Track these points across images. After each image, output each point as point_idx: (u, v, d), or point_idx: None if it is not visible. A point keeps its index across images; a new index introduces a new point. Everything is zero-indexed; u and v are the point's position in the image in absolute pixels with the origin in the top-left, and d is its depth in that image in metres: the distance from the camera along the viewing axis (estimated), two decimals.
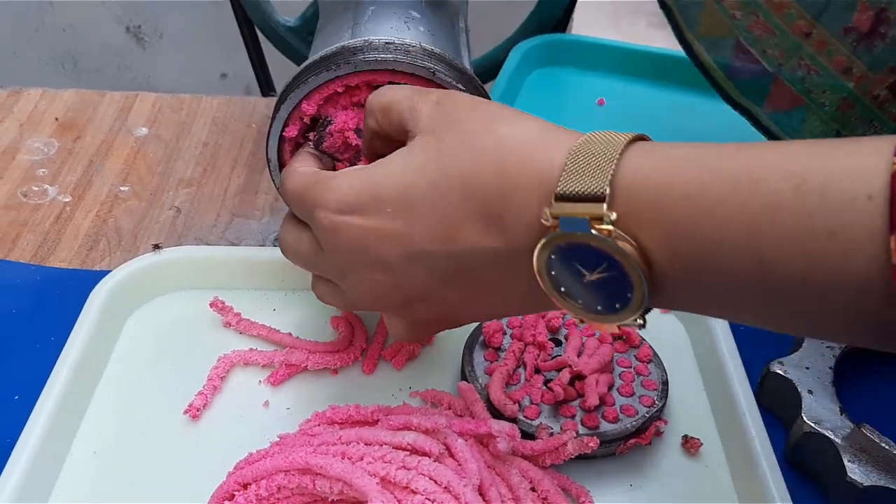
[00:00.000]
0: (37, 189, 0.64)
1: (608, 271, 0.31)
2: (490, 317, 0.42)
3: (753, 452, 0.43)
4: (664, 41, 0.85)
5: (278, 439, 0.43)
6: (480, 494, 0.37)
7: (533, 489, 0.41)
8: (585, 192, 0.31)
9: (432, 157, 0.35)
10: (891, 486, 0.41)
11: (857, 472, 0.42)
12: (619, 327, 0.33)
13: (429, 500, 0.35)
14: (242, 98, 0.75)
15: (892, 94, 0.49)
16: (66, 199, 0.63)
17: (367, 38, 0.44)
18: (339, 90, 0.44)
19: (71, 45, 1.36)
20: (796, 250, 0.27)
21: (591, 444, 0.42)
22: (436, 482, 0.36)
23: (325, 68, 0.43)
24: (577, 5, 0.80)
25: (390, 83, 0.44)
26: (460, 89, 0.43)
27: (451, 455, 0.38)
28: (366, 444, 0.38)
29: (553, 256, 0.32)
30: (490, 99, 0.46)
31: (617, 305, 0.32)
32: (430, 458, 0.37)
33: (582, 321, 0.35)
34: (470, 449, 0.39)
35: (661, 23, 0.88)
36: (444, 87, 0.44)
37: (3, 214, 0.62)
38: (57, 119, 0.71)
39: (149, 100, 0.75)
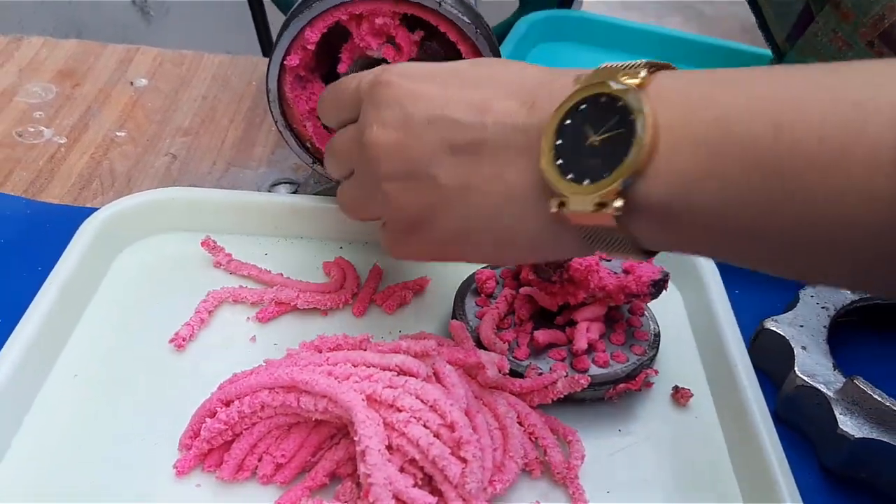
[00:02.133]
0: (32, 130, 0.64)
1: (615, 129, 0.30)
2: (493, 253, 0.37)
3: (744, 403, 0.43)
4: (671, 22, 0.86)
5: (264, 364, 0.42)
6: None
7: (520, 423, 0.40)
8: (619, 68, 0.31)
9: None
10: (882, 439, 0.40)
11: (848, 424, 0.41)
12: (594, 207, 0.30)
13: (414, 417, 0.35)
14: (245, 57, 0.75)
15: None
16: (62, 141, 0.63)
17: None
18: (344, 18, 0.44)
19: (76, 16, 1.35)
20: (815, 116, 0.25)
21: (582, 382, 0.41)
22: (422, 401, 0.35)
23: None
24: None
25: (394, 14, 0.43)
26: (465, 22, 0.43)
27: (439, 380, 0.38)
28: (353, 366, 0.37)
29: (567, 121, 0.31)
30: (497, 45, 0.46)
31: (607, 170, 0.30)
32: (417, 378, 0.36)
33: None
34: (458, 375, 0.38)
35: (675, 10, 0.88)
36: (449, 20, 0.43)
37: None
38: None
39: (150, 54, 0.74)
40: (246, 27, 1.24)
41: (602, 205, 0.30)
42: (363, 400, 0.35)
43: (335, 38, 0.49)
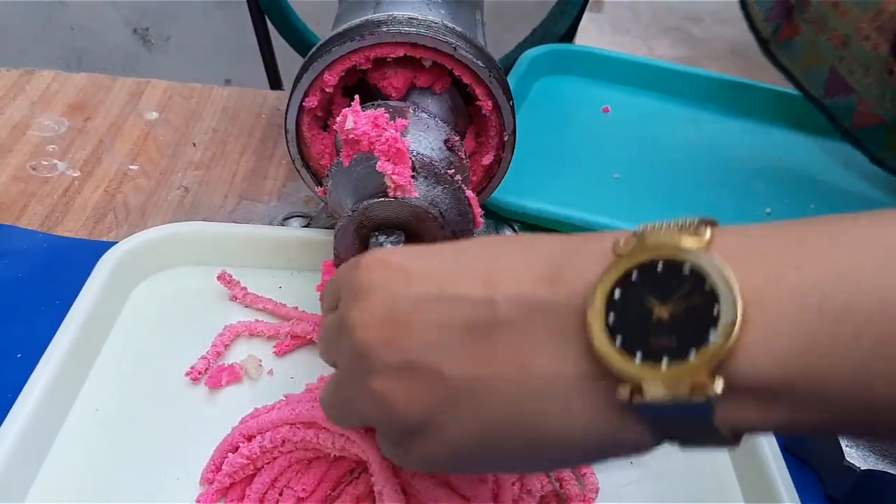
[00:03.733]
0: (46, 163, 0.65)
1: (688, 297, 0.25)
2: (527, 459, 0.30)
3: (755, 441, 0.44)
4: (667, 54, 0.87)
5: (284, 399, 0.43)
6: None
7: None
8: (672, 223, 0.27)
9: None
10: (888, 471, 0.41)
11: (854, 455, 0.42)
12: (689, 390, 0.25)
13: None
14: (253, 90, 0.76)
15: None
16: (75, 174, 0.64)
17: (391, 13, 0.45)
18: (361, 62, 0.45)
19: (77, 45, 1.36)
20: None
21: None
22: None
23: (349, 38, 0.44)
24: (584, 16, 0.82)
25: (406, 56, 0.45)
26: (480, 66, 0.45)
27: None
28: None
29: (617, 292, 0.26)
30: (509, 87, 0.47)
31: (692, 347, 0.25)
32: None
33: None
34: None
35: (663, 33, 0.90)
36: (465, 64, 0.45)
37: (12, 185, 0.62)
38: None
39: (160, 87, 0.76)
40: (247, 54, 1.25)
41: (695, 387, 0.25)
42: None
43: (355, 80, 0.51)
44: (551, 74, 0.79)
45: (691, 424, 0.26)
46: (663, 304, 0.26)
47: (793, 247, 0.25)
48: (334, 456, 0.38)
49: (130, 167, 0.65)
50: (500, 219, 0.60)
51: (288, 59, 0.75)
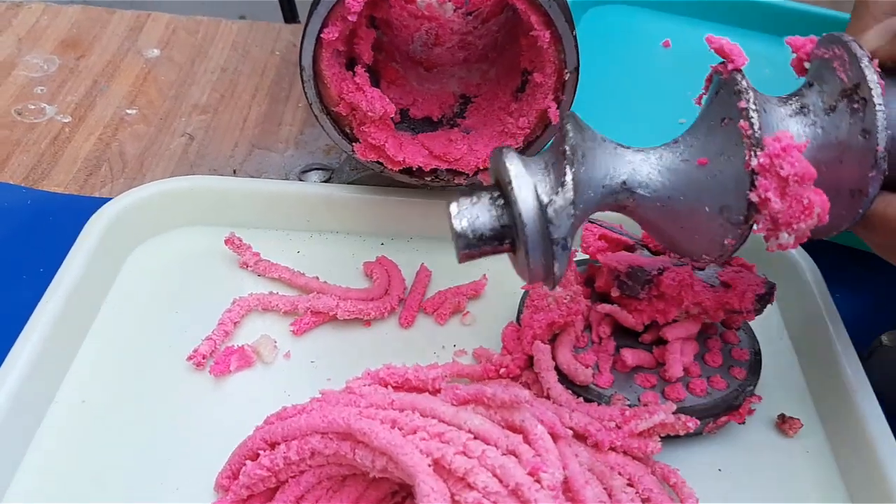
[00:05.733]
0: (33, 107, 0.57)
1: None
2: None
3: (864, 433, 0.36)
4: None
5: (319, 395, 0.36)
6: (571, 499, 0.30)
7: (630, 485, 0.33)
8: None
9: None
10: None
11: None
12: None
13: (489, 500, 0.28)
14: (266, 23, 0.68)
15: None
16: (66, 120, 0.56)
17: None
18: None
19: None
20: None
21: (689, 425, 0.35)
22: (500, 480, 0.28)
23: None
24: None
25: None
26: None
27: (528, 442, 0.31)
28: (422, 416, 0.31)
29: None
30: (571, 14, 0.39)
31: None
32: (496, 448, 0.30)
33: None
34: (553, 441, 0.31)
35: None
36: None
37: None
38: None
39: (162, 20, 0.67)
40: None
41: None
42: (430, 465, 0.29)
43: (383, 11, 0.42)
44: (601, 4, 0.70)
45: None
46: None
47: None
48: (372, 477, 0.31)
49: (128, 112, 0.58)
50: None
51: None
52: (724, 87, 0.32)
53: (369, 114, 0.41)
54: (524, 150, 0.43)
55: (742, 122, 0.30)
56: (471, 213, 0.30)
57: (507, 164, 0.30)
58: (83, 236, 0.43)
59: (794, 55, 0.36)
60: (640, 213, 0.33)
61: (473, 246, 0.30)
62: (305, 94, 0.41)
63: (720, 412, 0.37)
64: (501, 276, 0.45)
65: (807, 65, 0.35)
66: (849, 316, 0.42)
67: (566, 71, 0.40)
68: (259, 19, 0.68)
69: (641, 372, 0.38)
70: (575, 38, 0.39)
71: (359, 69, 0.41)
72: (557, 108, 0.41)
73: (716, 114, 0.32)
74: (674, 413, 0.35)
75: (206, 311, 0.42)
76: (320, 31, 0.38)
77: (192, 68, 0.62)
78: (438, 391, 0.35)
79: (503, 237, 0.30)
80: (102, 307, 0.43)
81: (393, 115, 0.42)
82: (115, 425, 0.37)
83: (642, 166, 0.32)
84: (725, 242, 0.31)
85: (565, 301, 0.38)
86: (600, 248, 0.41)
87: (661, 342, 0.39)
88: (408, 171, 0.44)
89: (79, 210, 0.47)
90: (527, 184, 0.29)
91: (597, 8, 0.70)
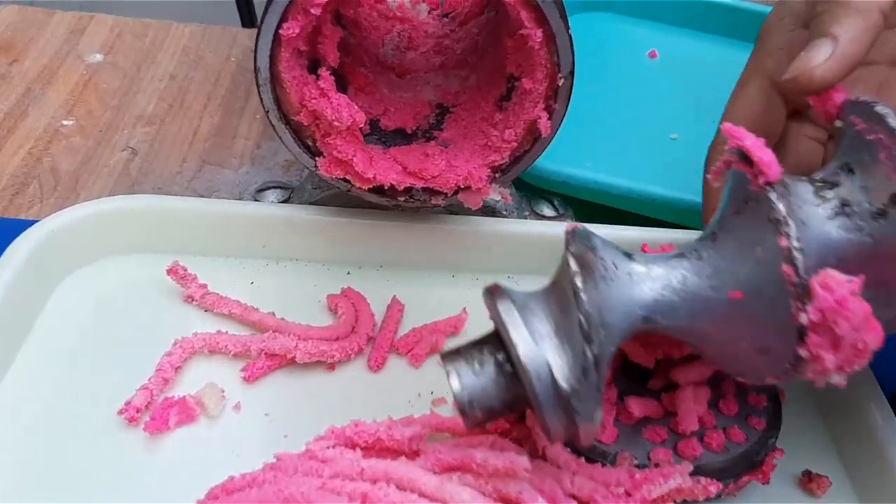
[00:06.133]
0: None
1: None
2: None
3: None
4: None
5: (274, 459, 0.30)
6: None
7: None
8: None
9: None
10: None
11: None
12: None
13: None
14: (221, 27, 0.62)
15: None
16: None
17: None
18: None
19: None
20: None
21: (711, 489, 0.30)
22: None
23: None
24: None
25: None
26: None
27: None
28: (398, 488, 0.25)
29: None
30: (565, 10, 0.34)
31: None
32: None
33: None
34: None
35: None
36: None
37: None
38: None
39: (106, 23, 0.61)
40: None
41: None
42: None
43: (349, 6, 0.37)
44: (583, 11, 0.65)
45: None
46: None
47: None
48: None
49: (64, 122, 0.52)
50: (535, 191, 0.47)
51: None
52: (753, 202, 0.27)
53: (335, 124, 0.35)
54: (510, 167, 0.38)
55: (785, 267, 0.26)
56: (475, 387, 0.27)
57: (510, 331, 0.26)
58: (3, 263, 0.37)
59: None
60: (670, 334, 0.29)
61: (482, 422, 0.28)
62: (261, 99, 0.36)
63: (741, 470, 0.32)
64: (483, 309, 0.40)
65: (837, 122, 0.31)
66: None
67: (560, 76, 0.35)
68: (214, 23, 0.63)
69: (649, 424, 0.33)
70: (570, 37, 0.34)
71: (323, 72, 0.36)
72: (549, 118, 0.36)
73: (746, 234, 0.27)
74: (691, 474, 0.30)
75: (142, 353, 0.36)
76: (278, 27, 0.33)
77: (137, 74, 0.57)
78: (417, 454, 0.29)
79: (516, 404, 0.27)
80: (23, 347, 0.36)
81: (362, 126, 0.37)
82: (29, 492, 0.31)
83: (664, 293, 0.28)
84: (767, 379, 0.28)
85: None
86: None
87: (670, 387, 0.34)
88: (378, 189, 0.39)
89: (1, 233, 0.40)
90: (540, 366, 0.26)
91: (580, 15, 0.65)
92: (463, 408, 0.27)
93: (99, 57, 0.58)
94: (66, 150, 0.50)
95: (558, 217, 0.45)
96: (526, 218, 0.45)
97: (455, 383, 0.27)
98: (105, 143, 0.50)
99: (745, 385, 0.35)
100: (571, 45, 0.34)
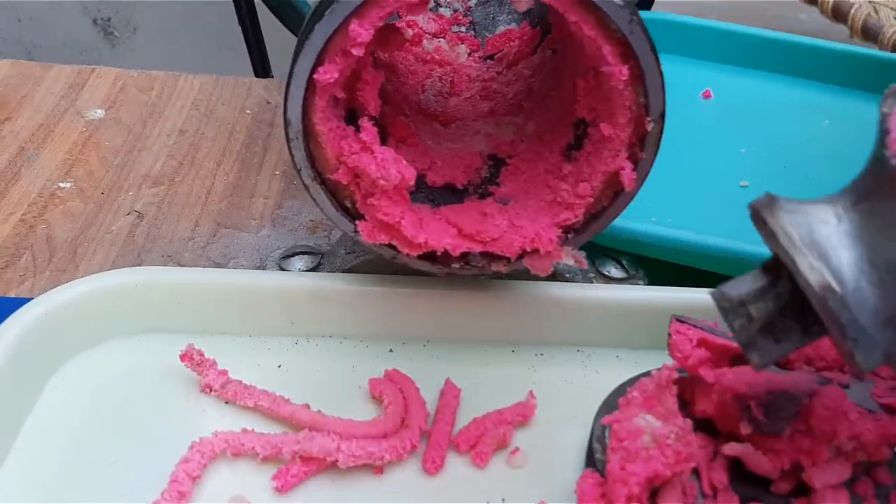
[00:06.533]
0: None
1: None
2: None
3: None
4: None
5: None
6: None
7: None
8: None
9: None
10: None
11: None
12: None
13: None
14: (234, 78, 0.57)
15: None
16: None
17: None
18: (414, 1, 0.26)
19: (23, 37, 1.17)
20: None
21: None
22: None
23: None
24: None
25: None
26: (616, 6, 0.26)
27: None
28: None
29: None
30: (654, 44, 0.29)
31: None
32: None
33: None
34: None
35: None
36: (589, 3, 0.26)
37: None
38: None
39: (109, 76, 0.56)
40: (220, 48, 1.05)
41: None
42: None
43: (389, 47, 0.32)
44: None
45: None
46: None
47: None
48: None
49: (61, 185, 0.47)
50: (599, 250, 0.41)
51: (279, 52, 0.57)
52: None
53: (380, 182, 0.30)
54: (585, 226, 0.33)
55: None
56: None
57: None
58: None
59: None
60: None
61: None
62: (293, 157, 0.30)
63: None
64: (555, 391, 0.34)
65: None
66: None
67: (648, 119, 0.30)
68: (224, 73, 0.58)
69: None
70: (661, 74, 0.29)
71: (364, 122, 0.30)
72: (634, 169, 0.31)
73: None
74: None
75: (153, 459, 0.31)
76: (313, 71, 0.28)
77: (143, 131, 0.52)
78: None
79: None
80: (14, 448, 0.31)
81: (411, 184, 0.31)
82: None
83: None
84: None
85: (669, 441, 0.27)
86: (702, 360, 0.30)
87: (802, 492, 0.28)
88: (429, 256, 0.33)
89: None
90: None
91: None
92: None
93: (100, 112, 0.53)
94: (64, 216, 0.44)
95: (629, 278, 0.40)
96: (592, 281, 0.39)
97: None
98: (107, 208, 0.45)
99: (884, 482, 0.29)
100: (663, 83, 0.29)
